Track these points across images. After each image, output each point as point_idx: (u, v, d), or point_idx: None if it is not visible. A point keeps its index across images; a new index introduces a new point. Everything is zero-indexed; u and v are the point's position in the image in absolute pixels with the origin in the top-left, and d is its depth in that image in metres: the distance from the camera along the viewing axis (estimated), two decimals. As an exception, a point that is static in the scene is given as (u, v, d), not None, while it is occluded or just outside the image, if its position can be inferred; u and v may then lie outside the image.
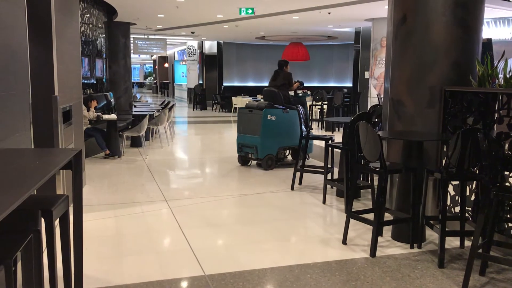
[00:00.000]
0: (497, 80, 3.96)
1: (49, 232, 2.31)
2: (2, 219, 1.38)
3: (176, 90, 28.00)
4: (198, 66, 20.56)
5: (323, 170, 5.31)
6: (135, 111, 10.12)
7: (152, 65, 39.05)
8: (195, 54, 20.71)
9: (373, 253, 3.54)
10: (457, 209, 4.05)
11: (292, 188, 5.66)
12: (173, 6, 10.36)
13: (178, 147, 9.31)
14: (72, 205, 2.54)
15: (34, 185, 1.72)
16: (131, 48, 14.13)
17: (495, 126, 3.82)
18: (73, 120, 4.99)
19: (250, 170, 6.86)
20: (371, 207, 4.65)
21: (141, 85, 40.23)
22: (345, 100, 12.71)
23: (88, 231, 3.97)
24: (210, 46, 20.13)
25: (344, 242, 3.82)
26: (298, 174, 5.79)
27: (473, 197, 3.93)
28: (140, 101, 14.82)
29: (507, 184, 3.57)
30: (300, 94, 8.25)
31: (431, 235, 3.99)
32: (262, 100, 7.85)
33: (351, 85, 15.49)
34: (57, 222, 2.41)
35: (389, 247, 3.76)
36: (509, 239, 3.52)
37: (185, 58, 23.23)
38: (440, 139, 3.95)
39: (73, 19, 5.30)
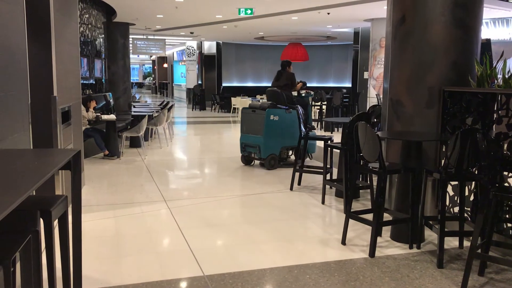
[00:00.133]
0: (496, 81, 3.95)
1: (48, 233, 2.31)
2: (1, 220, 1.38)
3: (175, 91, 27.99)
4: (197, 66, 20.56)
5: (322, 170, 5.32)
6: (134, 112, 10.09)
7: (151, 66, 39.03)
8: (194, 55, 20.70)
9: (372, 253, 3.54)
10: (456, 209, 4.05)
11: (291, 189, 5.66)
12: (172, 7, 10.35)
13: (177, 147, 9.31)
14: (71, 205, 2.54)
15: (33, 185, 1.72)
16: (130, 48, 14.12)
17: (494, 126, 3.82)
18: (72, 121, 4.99)
19: (252, 170, 6.86)
20: (370, 207, 4.65)
21: (140, 85, 40.19)
22: (344, 100, 12.72)
23: (87, 232, 3.97)
24: (209, 47, 20.13)
25: (343, 242, 3.82)
26: (297, 174, 5.79)
27: (472, 197, 3.93)
28: (139, 102, 14.80)
29: (506, 184, 3.57)
30: (303, 95, 8.27)
31: (430, 235, 4.00)
32: (261, 100, 7.86)
33: (350, 85, 15.50)
34: (56, 223, 2.41)
35: (388, 248, 3.76)
36: (508, 239, 3.52)
37: (184, 59, 23.23)
38: (439, 139, 3.96)
39: (72, 19, 5.30)
